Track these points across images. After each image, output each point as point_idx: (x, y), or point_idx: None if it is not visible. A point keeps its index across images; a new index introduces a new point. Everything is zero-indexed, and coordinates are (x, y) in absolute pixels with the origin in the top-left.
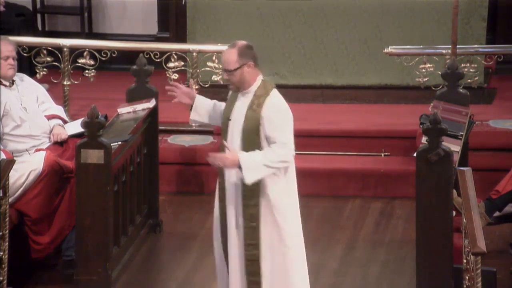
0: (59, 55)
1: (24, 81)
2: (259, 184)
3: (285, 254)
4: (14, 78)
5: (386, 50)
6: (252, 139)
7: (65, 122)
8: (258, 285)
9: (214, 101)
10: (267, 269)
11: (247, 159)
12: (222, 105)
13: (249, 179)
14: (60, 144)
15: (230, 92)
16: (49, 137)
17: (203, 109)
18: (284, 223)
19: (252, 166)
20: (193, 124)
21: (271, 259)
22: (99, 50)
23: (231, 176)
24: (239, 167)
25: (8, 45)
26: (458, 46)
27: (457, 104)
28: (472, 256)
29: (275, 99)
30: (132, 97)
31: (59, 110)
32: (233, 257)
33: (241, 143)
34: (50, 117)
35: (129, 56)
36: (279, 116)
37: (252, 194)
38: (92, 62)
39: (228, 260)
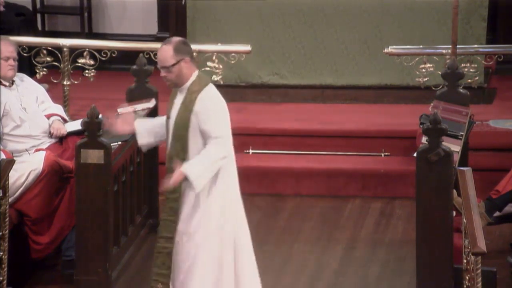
0: (59, 55)
1: (24, 81)
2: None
3: (195, 254)
4: (14, 78)
5: (386, 50)
6: (181, 134)
7: (65, 120)
8: (165, 278)
9: (157, 118)
10: (176, 264)
11: (191, 169)
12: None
13: (198, 187)
14: (60, 142)
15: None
16: (49, 135)
17: (146, 131)
18: (205, 221)
19: (198, 174)
20: (143, 149)
21: (181, 253)
22: (99, 50)
23: None
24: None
25: (9, 46)
26: (458, 46)
27: (457, 104)
28: (472, 256)
29: (209, 93)
30: (132, 97)
31: (59, 109)
32: None
33: (172, 139)
34: (49, 116)
35: (129, 56)
36: (211, 109)
37: (174, 188)
38: (92, 62)
39: None
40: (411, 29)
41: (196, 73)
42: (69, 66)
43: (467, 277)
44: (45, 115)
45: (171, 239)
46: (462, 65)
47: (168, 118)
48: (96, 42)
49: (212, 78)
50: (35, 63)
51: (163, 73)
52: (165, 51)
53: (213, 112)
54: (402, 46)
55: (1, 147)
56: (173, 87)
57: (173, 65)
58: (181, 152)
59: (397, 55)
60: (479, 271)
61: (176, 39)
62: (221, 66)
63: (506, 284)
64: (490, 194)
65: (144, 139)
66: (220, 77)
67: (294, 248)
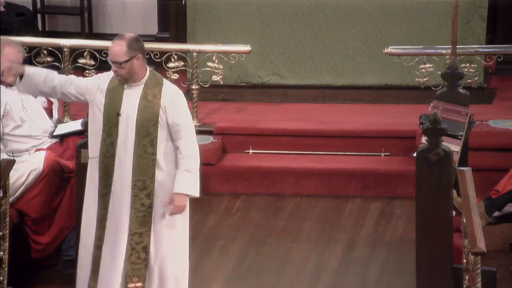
0: (59, 55)
1: None
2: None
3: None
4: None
5: (386, 50)
6: (149, 130)
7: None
8: (140, 271)
9: (47, 73)
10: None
11: (187, 186)
12: (55, 80)
13: (197, 193)
14: (60, 142)
15: (106, 85)
16: (49, 136)
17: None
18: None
19: (195, 185)
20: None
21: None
22: (99, 50)
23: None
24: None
25: (18, 53)
26: (458, 46)
27: (457, 104)
28: (472, 256)
29: (171, 87)
30: None
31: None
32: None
33: (135, 137)
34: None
35: None
36: (180, 102)
37: (144, 185)
38: (92, 62)
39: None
40: (411, 29)
41: (148, 68)
42: (70, 66)
43: (467, 277)
44: None
45: (146, 233)
46: (462, 65)
47: (116, 114)
48: (96, 42)
49: (212, 78)
50: (35, 63)
51: (114, 68)
52: (119, 47)
53: (182, 104)
54: (402, 46)
55: (1, 147)
56: (123, 82)
57: (126, 61)
58: (150, 147)
59: (397, 55)
60: (479, 271)
61: (129, 35)
62: (221, 66)
63: (506, 284)
64: (490, 194)
65: (29, 88)
66: (220, 77)
67: (294, 248)
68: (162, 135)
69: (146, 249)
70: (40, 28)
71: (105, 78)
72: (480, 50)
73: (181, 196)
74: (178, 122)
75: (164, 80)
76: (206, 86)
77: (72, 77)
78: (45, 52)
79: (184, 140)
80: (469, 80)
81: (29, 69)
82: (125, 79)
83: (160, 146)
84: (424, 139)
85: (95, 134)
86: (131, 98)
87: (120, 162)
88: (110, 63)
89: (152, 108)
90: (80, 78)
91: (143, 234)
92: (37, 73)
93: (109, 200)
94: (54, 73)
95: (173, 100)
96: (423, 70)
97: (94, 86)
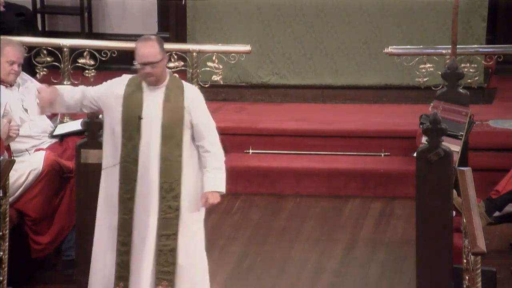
0: (59, 55)
1: (26, 81)
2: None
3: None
4: None
5: (386, 50)
6: (174, 133)
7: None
8: (169, 276)
9: (72, 92)
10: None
11: (219, 183)
12: (75, 94)
13: (224, 190)
14: (60, 142)
15: (123, 91)
16: (49, 136)
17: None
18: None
19: (222, 184)
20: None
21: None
22: (99, 50)
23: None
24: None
25: (18, 52)
26: (458, 46)
27: (457, 104)
28: (472, 256)
29: (192, 86)
30: None
31: None
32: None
33: (161, 140)
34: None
35: (129, 56)
36: (202, 101)
37: (171, 187)
38: (92, 62)
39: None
40: (411, 29)
41: (168, 70)
42: (69, 66)
43: (467, 277)
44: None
45: (173, 235)
46: (462, 65)
47: (138, 118)
48: (96, 42)
49: (212, 78)
50: (35, 63)
51: (148, 69)
52: (152, 47)
53: (203, 104)
54: (402, 46)
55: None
56: (154, 83)
57: (160, 61)
58: (176, 149)
59: (397, 55)
60: (479, 271)
61: (154, 36)
62: (221, 66)
63: (506, 284)
64: (490, 194)
65: (61, 108)
66: (220, 77)
67: (294, 248)
68: (186, 136)
69: (173, 252)
70: (40, 28)
71: (119, 85)
72: (480, 50)
73: (215, 194)
74: (202, 122)
75: (182, 81)
76: (206, 86)
77: (84, 87)
78: (45, 52)
79: (208, 139)
80: (469, 80)
81: (59, 89)
82: (157, 80)
83: (185, 147)
84: (424, 139)
85: (110, 142)
86: (153, 101)
87: (143, 165)
88: (140, 66)
89: (176, 110)
90: (92, 87)
91: (171, 236)
92: (65, 91)
93: (133, 204)
94: (73, 88)
95: (195, 101)
96: (423, 70)
97: (108, 94)
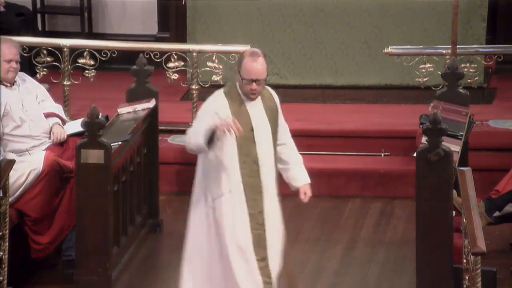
0: (59, 55)
1: (25, 81)
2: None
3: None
4: (16, 78)
5: (386, 50)
6: (276, 137)
7: (63, 120)
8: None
9: None
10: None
11: (307, 176)
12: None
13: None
14: (60, 143)
15: (229, 111)
16: (49, 137)
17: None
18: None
19: (307, 175)
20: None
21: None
22: (99, 50)
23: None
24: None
25: (13, 48)
26: (458, 46)
27: (457, 104)
28: (472, 256)
29: (270, 88)
30: (132, 97)
31: (58, 109)
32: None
33: (273, 147)
34: (48, 115)
35: (129, 56)
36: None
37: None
38: (92, 62)
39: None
40: (411, 29)
41: None
42: (69, 66)
43: (467, 277)
44: (44, 113)
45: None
46: (462, 65)
47: (251, 131)
48: (96, 42)
49: (212, 78)
50: (35, 63)
51: (254, 86)
52: (263, 64)
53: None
54: (402, 46)
55: (1, 147)
56: (255, 98)
57: (266, 77)
58: (275, 152)
59: (397, 55)
60: (479, 271)
61: (261, 51)
62: (221, 66)
63: (506, 284)
64: (490, 194)
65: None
66: (220, 77)
67: (294, 248)
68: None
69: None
70: (40, 28)
71: (219, 107)
72: (480, 50)
73: (309, 185)
74: (281, 121)
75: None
76: (206, 86)
77: (197, 126)
78: (45, 52)
79: (287, 135)
80: (469, 80)
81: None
82: (259, 94)
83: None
84: (424, 139)
85: (224, 167)
86: (257, 111)
87: (264, 176)
88: (245, 81)
89: (276, 114)
90: (201, 123)
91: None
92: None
93: (263, 218)
94: (197, 133)
95: (277, 102)
96: (423, 70)
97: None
